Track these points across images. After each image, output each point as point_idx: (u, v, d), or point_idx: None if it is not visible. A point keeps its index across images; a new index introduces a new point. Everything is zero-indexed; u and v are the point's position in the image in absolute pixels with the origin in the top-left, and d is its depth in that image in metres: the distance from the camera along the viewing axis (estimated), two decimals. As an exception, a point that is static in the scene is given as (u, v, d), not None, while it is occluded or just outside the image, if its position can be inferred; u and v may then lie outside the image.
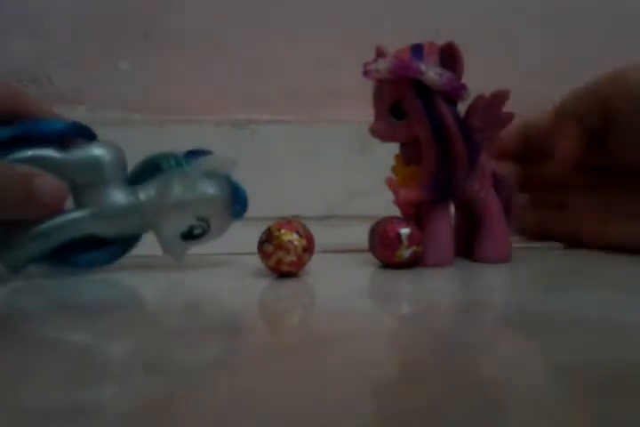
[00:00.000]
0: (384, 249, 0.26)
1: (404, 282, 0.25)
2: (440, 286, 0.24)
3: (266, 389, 0.13)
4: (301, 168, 0.48)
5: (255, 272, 0.25)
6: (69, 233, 0.24)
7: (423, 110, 0.26)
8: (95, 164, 0.24)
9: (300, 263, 0.24)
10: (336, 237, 0.40)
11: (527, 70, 0.48)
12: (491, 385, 0.13)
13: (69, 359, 0.15)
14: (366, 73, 0.26)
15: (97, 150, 0.24)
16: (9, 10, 0.44)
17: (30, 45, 0.44)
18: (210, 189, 0.25)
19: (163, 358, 0.15)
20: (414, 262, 0.27)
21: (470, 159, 0.26)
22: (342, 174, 0.48)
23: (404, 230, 0.26)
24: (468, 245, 0.29)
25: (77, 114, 0.44)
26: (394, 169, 0.28)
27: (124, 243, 0.25)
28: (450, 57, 0.26)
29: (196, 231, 0.25)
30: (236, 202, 0.26)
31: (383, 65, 0.26)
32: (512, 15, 0.49)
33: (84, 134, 0.25)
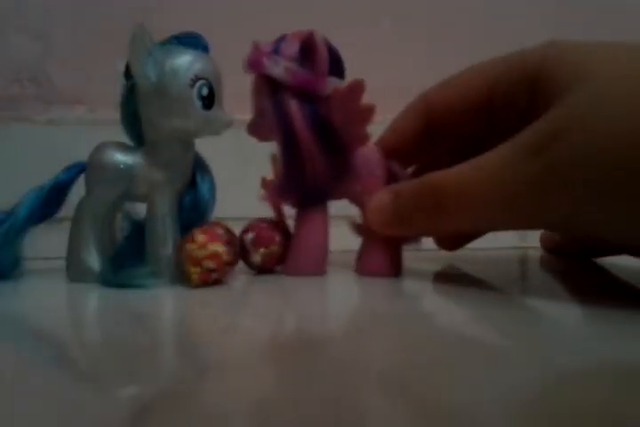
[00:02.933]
0: (242, 257, 0.26)
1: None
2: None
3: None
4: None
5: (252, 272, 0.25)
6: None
7: (272, 108, 0.24)
8: None
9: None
10: (336, 237, 0.40)
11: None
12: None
13: None
14: (243, 68, 0.25)
15: None
16: (9, 9, 0.44)
17: (30, 45, 0.44)
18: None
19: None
20: (279, 262, 0.26)
21: (333, 159, 0.24)
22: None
23: (248, 236, 0.25)
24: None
25: (77, 114, 0.44)
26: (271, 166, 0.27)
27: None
28: (308, 49, 0.24)
29: None
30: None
31: (245, 60, 0.25)
32: (512, 15, 0.49)
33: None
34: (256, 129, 0.26)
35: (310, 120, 0.24)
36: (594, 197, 0.18)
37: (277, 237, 0.26)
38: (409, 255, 0.27)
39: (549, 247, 0.33)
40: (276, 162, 0.26)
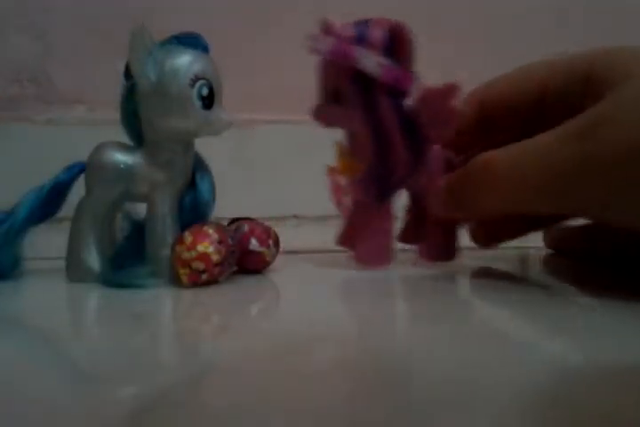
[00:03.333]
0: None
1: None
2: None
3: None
4: (301, 168, 0.47)
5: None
6: None
7: (360, 102, 0.23)
8: None
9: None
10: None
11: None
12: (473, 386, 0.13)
13: None
14: (308, 48, 0.24)
15: None
16: (9, 9, 0.44)
17: (30, 45, 0.44)
18: None
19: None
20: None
21: (415, 157, 0.24)
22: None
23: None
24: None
25: (77, 114, 0.44)
26: (336, 155, 0.26)
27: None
28: (397, 41, 0.23)
29: None
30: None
31: (322, 45, 0.23)
32: (512, 15, 0.49)
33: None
34: (328, 116, 0.25)
35: (398, 115, 0.23)
36: (627, 185, 0.19)
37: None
38: (406, 256, 0.27)
39: (553, 245, 0.33)
40: (343, 152, 0.26)
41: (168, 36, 0.24)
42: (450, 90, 0.23)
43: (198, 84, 0.23)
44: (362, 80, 0.23)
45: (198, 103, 0.23)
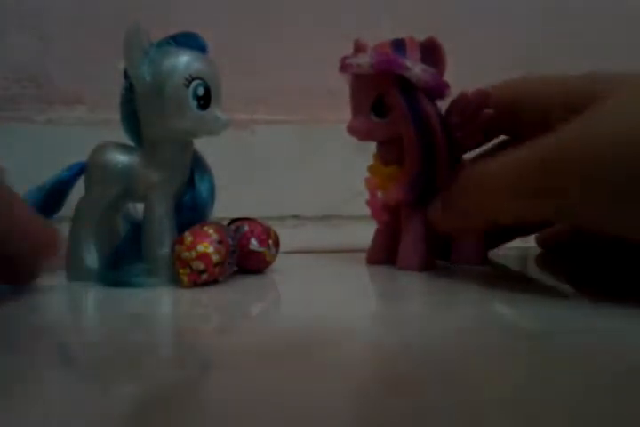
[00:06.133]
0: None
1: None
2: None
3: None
4: (301, 168, 0.47)
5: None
6: None
7: (407, 107, 0.25)
8: None
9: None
10: (336, 237, 0.40)
11: (528, 71, 0.48)
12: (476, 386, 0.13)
13: None
14: (344, 67, 0.25)
15: None
16: (8, 9, 0.44)
17: (30, 45, 0.44)
18: None
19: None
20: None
21: (451, 158, 0.25)
22: (342, 174, 0.48)
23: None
24: (445, 246, 0.28)
25: (77, 114, 0.44)
26: (371, 169, 0.27)
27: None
28: (431, 53, 0.25)
29: None
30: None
31: (364, 59, 0.25)
32: (512, 15, 0.49)
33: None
34: (367, 128, 0.26)
35: (440, 120, 0.25)
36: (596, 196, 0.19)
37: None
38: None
39: (545, 244, 0.33)
40: (379, 162, 0.27)
41: (167, 35, 0.24)
42: (483, 96, 0.25)
43: (194, 84, 0.23)
44: (407, 87, 0.24)
45: (194, 103, 0.23)
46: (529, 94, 0.26)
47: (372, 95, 0.25)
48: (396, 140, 0.26)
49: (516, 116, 0.25)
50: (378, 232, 0.28)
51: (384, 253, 0.28)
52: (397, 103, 0.25)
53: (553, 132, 0.21)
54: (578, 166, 0.19)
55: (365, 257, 0.29)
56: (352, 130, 0.26)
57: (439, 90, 0.25)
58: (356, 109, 0.26)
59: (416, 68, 0.24)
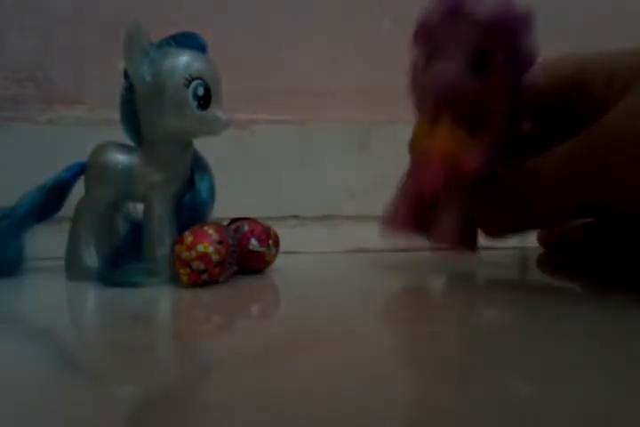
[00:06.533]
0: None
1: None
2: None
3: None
4: (301, 168, 0.47)
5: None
6: None
7: (512, 73, 0.23)
8: None
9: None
10: (336, 237, 0.40)
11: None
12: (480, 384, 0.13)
13: None
14: (456, 10, 0.23)
15: None
16: (8, 9, 0.44)
17: (30, 45, 0.44)
18: None
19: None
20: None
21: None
22: (342, 174, 0.48)
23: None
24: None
25: (77, 114, 0.44)
26: (441, 132, 0.24)
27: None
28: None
29: None
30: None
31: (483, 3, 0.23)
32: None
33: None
34: (468, 83, 0.23)
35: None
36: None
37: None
38: (407, 256, 0.27)
39: (547, 244, 0.33)
40: (448, 126, 0.23)
41: (167, 35, 0.24)
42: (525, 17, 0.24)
43: (194, 84, 0.23)
44: (517, 52, 0.24)
45: (193, 103, 0.23)
46: (591, 61, 0.25)
47: (475, 46, 0.23)
48: (474, 102, 0.23)
49: (581, 86, 0.25)
50: (402, 199, 0.25)
51: (412, 220, 0.25)
52: (502, 58, 0.23)
53: (604, 118, 0.21)
54: (634, 145, 0.20)
55: (386, 222, 0.26)
56: (445, 77, 0.23)
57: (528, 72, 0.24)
58: (449, 55, 0.23)
59: (530, 39, 0.23)
